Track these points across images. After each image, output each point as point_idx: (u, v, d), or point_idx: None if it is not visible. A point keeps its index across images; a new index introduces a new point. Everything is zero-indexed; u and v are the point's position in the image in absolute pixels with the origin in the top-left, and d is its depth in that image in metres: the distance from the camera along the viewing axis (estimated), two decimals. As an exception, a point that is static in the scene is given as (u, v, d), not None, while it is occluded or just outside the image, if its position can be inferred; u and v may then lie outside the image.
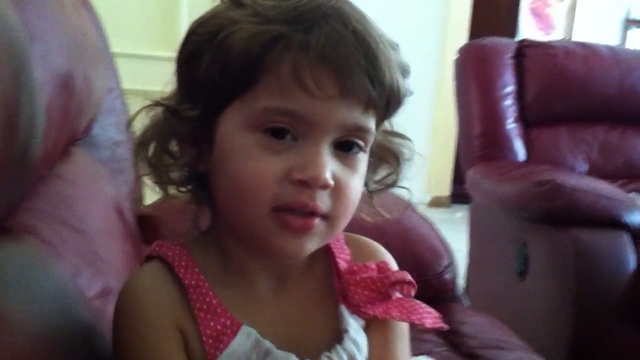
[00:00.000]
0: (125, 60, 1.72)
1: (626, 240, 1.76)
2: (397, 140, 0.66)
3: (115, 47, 1.27)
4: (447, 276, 1.33)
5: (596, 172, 2.33)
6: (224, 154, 0.57)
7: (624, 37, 5.66)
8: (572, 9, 5.54)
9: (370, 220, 0.67)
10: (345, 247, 0.68)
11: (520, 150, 2.34)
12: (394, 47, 0.58)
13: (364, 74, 0.54)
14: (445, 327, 0.63)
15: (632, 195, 2.03)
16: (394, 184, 0.68)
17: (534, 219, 1.88)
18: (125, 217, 1.03)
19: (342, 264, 0.66)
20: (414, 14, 4.54)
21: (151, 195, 1.29)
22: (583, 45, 2.48)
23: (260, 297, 0.62)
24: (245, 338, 0.58)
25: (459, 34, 4.36)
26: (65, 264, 0.71)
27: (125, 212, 1.05)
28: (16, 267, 0.59)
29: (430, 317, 0.63)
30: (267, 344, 0.59)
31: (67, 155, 0.93)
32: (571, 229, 1.76)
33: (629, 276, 1.72)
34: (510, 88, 2.37)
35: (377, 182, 0.67)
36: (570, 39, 4.86)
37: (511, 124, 2.35)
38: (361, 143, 0.58)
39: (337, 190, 0.57)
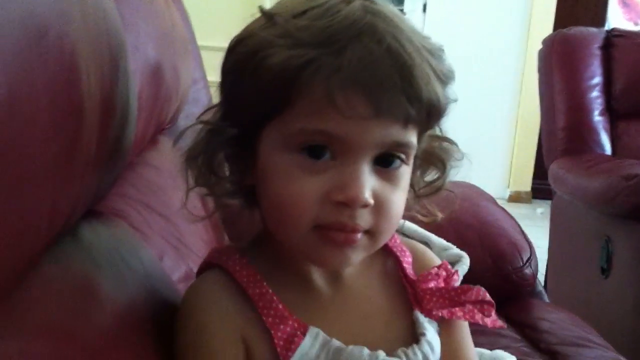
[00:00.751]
0: (210, 52, 1.77)
1: None
2: (444, 144, 0.66)
3: (200, 40, 1.31)
4: (527, 271, 1.30)
5: (686, 167, 2.24)
6: (265, 171, 0.58)
7: None
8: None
9: (425, 221, 0.68)
10: (405, 249, 0.70)
11: (606, 143, 2.27)
12: (436, 53, 0.57)
13: (400, 93, 0.53)
14: (504, 325, 0.66)
15: None
16: (441, 188, 0.68)
17: (619, 214, 1.82)
18: (207, 206, 1.06)
19: (409, 269, 0.68)
20: (498, 4, 4.45)
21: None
22: (675, 34, 2.38)
23: (320, 296, 0.63)
24: (313, 338, 0.59)
25: (544, 25, 4.25)
26: (152, 248, 0.74)
27: (207, 200, 1.07)
28: (107, 248, 0.61)
29: (489, 317, 0.65)
30: (336, 342, 0.60)
31: (155, 143, 0.97)
32: (658, 225, 1.71)
33: None
34: (597, 79, 2.30)
35: (424, 186, 0.67)
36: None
37: (597, 117, 2.28)
38: (402, 156, 0.58)
39: (378, 207, 0.57)
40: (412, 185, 0.64)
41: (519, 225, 1.39)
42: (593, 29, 2.41)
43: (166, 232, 0.81)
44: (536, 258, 1.34)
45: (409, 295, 0.66)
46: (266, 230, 0.64)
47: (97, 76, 0.50)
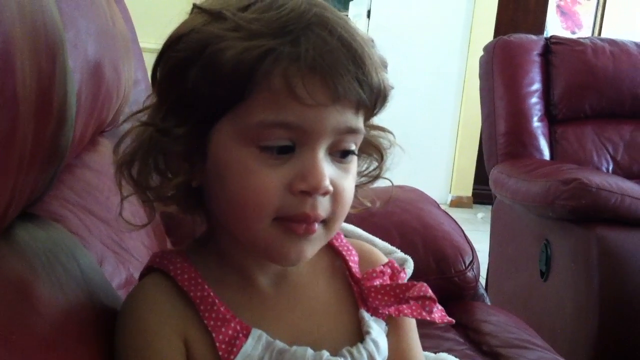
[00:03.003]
0: (153, 55, 1.73)
1: (652, 240, 1.74)
2: (379, 133, 0.67)
3: (143, 42, 1.28)
4: (470, 274, 1.32)
5: (621, 171, 2.31)
6: (220, 168, 0.58)
7: (652, 37, 5.59)
8: (601, 7, 5.48)
9: (354, 212, 0.68)
10: (351, 248, 0.70)
11: (545, 148, 2.33)
12: (372, 44, 0.59)
13: (353, 79, 0.55)
14: (452, 321, 0.66)
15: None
16: (378, 177, 0.69)
17: (558, 218, 1.86)
18: (149, 211, 1.04)
19: (355, 268, 0.68)
20: (441, 11, 4.52)
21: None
22: (612, 42, 2.45)
23: (264, 296, 0.63)
24: (256, 340, 0.59)
25: (485, 32, 4.34)
26: (92, 252, 0.72)
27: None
28: (43, 251, 0.59)
29: (438, 312, 0.66)
30: (279, 343, 0.60)
31: (95, 144, 0.94)
32: (596, 228, 1.75)
33: (654, 277, 1.70)
34: (536, 85, 2.35)
35: (362, 175, 0.68)
36: (600, 36, 4.80)
37: (537, 122, 2.33)
38: (354, 147, 0.60)
39: (335, 195, 0.58)
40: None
41: (461, 229, 1.41)
42: (533, 36, 2.47)
43: (106, 236, 0.79)
44: (478, 261, 1.36)
45: (354, 293, 0.67)
46: (210, 232, 0.64)
47: (33, 70, 0.48)
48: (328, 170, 0.57)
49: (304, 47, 0.53)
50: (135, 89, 1.17)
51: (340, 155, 0.59)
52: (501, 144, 2.32)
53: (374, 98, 0.58)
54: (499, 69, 2.37)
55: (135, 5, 1.29)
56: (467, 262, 1.32)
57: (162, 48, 0.60)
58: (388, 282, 0.67)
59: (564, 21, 5.54)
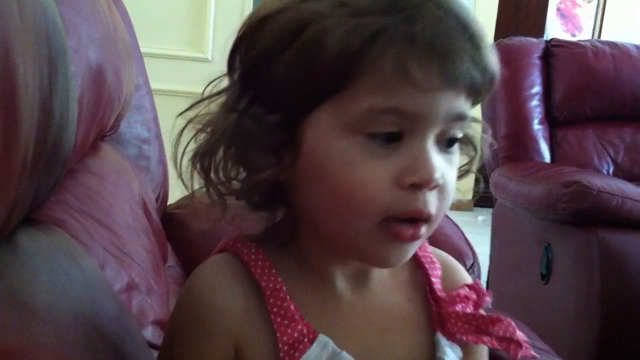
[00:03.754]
0: (153, 59, 1.74)
1: (653, 243, 1.74)
2: (474, 125, 0.60)
3: (144, 47, 1.29)
4: (471, 277, 1.32)
5: (622, 173, 2.31)
6: (317, 161, 0.52)
7: (653, 39, 5.59)
8: (601, 9, 5.48)
9: None
10: (435, 261, 0.65)
11: (546, 151, 2.33)
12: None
13: (469, 60, 0.50)
14: (536, 356, 0.62)
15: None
16: (468, 172, 0.63)
17: (559, 221, 1.86)
18: (150, 215, 1.04)
19: (437, 284, 0.63)
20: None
21: (175, 193, 1.31)
22: (612, 44, 2.45)
23: (340, 301, 0.59)
24: (321, 348, 0.55)
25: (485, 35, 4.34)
26: (93, 257, 0.72)
27: (150, 209, 1.06)
28: (46, 256, 0.59)
29: (517, 356, 0.60)
30: (346, 356, 0.55)
31: (96, 149, 0.94)
32: (597, 231, 1.76)
33: (655, 279, 1.70)
34: (537, 88, 2.36)
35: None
36: (600, 38, 4.81)
37: (537, 125, 2.33)
38: (460, 135, 0.55)
39: (442, 189, 0.53)
40: None
41: (462, 232, 1.41)
42: (533, 39, 2.47)
43: (107, 241, 0.79)
44: (479, 264, 1.36)
45: (433, 313, 0.61)
46: (288, 227, 0.59)
47: (35, 76, 0.48)
48: (437, 160, 0.52)
49: (419, 26, 0.48)
50: (137, 94, 1.18)
51: (446, 144, 0.54)
52: (502, 147, 2.32)
53: (487, 82, 0.53)
54: (499, 72, 2.36)
55: (136, 11, 1.29)
56: (468, 265, 1.32)
57: (244, 30, 0.55)
58: (471, 308, 0.62)
59: (564, 24, 5.55)
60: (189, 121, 0.58)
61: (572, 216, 1.79)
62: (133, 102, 1.13)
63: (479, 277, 1.35)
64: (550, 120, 2.38)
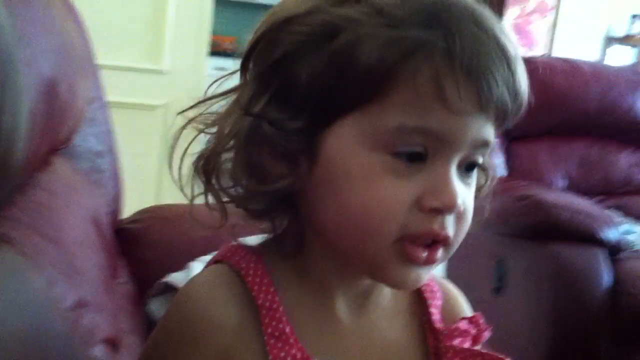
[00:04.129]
0: (109, 71, 1.72)
1: (603, 257, 1.78)
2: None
3: (100, 59, 1.27)
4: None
5: (575, 187, 2.36)
6: (336, 173, 0.50)
7: (604, 54, 5.73)
8: (554, 25, 5.60)
9: None
10: (436, 290, 0.63)
11: (500, 165, 2.36)
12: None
13: (504, 85, 0.48)
14: None
15: (609, 212, 2.05)
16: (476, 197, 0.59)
17: (512, 235, 1.89)
18: (102, 230, 1.03)
19: (436, 316, 0.61)
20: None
21: (130, 207, 1.29)
22: (564, 60, 2.51)
23: (338, 325, 0.56)
24: None
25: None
26: (41, 275, 0.71)
27: (103, 225, 1.04)
28: (-9, 276, 0.58)
29: None
30: None
31: (47, 164, 0.93)
32: (549, 245, 1.79)
33: (605, 292, 1.74)
34: (491, 103, 2.39)
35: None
36: (551, 55, 4.91)
37: (493, 139, 2.37)
38: (481, 161, 0.53)
39: (460, 215, 0.52)
40: None
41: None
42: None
43: (57, 258, 0.77)
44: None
45: (430, 346, 0.60)
46: (295, 241, 0.56)
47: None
48: (459, 186, 0.50)
49: (459, 44, 0.46)
50: (91, 107, 1.16)
51: (465, 168, 0.52)
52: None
53: (517, 108, 0.51)
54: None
55: (93, 22, 1.28)
56: (423, 279, 1.33)
57: (264, 29, 0.53)
58: (470, 343, 0.60)
59: (520, 39, 5.65)
60: (190, 120, 0.56)
61: (524, 230, 1.82)
62: (87, 115, 1.12)
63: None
64: (505, 134, 2.42)
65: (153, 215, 1.28)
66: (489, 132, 0.51)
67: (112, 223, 1.15)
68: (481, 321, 0.62)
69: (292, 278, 0.56)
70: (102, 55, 1.36)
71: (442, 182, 0.49)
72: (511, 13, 5.54)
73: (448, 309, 0.63)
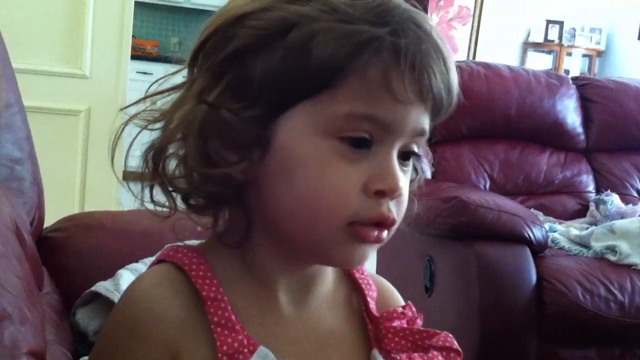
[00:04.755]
0: (26, 75, 1.66)
1: (527, 254, 1.83)
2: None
3: (16, 63, 1.23)
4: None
5: (498, 188, 2.42)
6: (289, 161, 0.53)
7: (523, 60, 5.92)
8: (475, 31, 5.75)
9: None
10: (371, 283, 0.66)
11: (426, 168, 2.39)
12: None
13: (441, 80, 0.53)
14: None
15: (532, 211, 2.11)
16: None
17: (439, 235, 1.92)
18: (23, 240, 0.99)
19: (372, 305, 0.64)
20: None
21: (51, 215, 1.25)
22: (485, 65, 2.58)
23: (281, 314, 0.59)
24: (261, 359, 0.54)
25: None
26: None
27: (23, 234, 1.00)
28: None
29: None
30: None
31: (-38, 172, 0.89)
32: (475, 244, 1.82)
33: (530, 289, 1.78)
34: (416, 107, 2.43)
35: None
36: (474, 60, 5.04)
37: (418, 143, 2.40)
38: (416, 150, 0.58)
39: (401, 199, 0.56)
40: None
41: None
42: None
43: (-25, 269, 0.74)
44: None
45: (369, 332, 0.63)
46: (240, 233, 0.58)
47: None
48: (399, 171, 0.55)
49: (404, 40, 0.51)
50: (7, 112, 1.12)
51: (403, 157, 0.56)
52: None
53: (449, 102, 0.56)
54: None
55: (8, 25, 1.23)
56: (354, 282, 1.33)
57: (217, 26, 0.55)
58: (406, 325, 0.64)
59: (441, 45, 5.77)
60: (133, 117, 0.57)
61: (451, 231, 1.85)
62: (3, 121, 1.07)
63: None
64: (430, 137, 2.46)
65: (76, 224, 1.24)
66: (426, 122, 0.56)
67: (33, 232, 1.11)
68: (414, 309, 0.66)
69: (235, 272, 0.58)
70: (20, 59, 1.31)
71: (386, 167, 0.53)
72: (432, 20, 5.67)
73: (383, 301, 0.66)
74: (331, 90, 0.51)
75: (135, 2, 2.46)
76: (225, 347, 0.54)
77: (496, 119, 2.52)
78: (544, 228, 1.90)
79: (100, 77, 2.31)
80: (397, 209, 0.56)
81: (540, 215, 2.29)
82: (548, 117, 2.57)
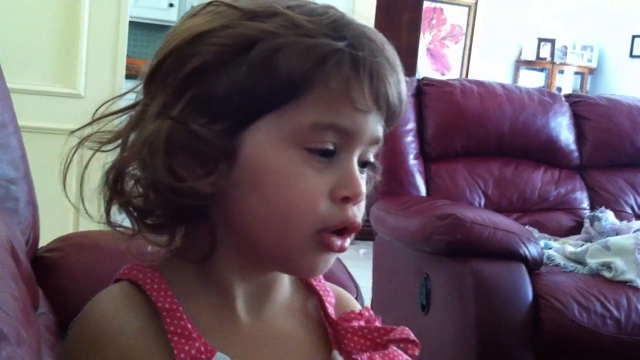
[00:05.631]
0: (21, 95, 1.66)
1: (523, 271, 1.83)
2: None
3: (11, 82, 1.23)
4: (354, 310, 1.33)
5: (492, 206, 2.42)
6: (256, 173, 0.55)
7: (515, 77, 5.96)
8: (468, 50, 5.79)
9: None
10: (329, 290, 0.68)
11: (421, 185, 2.40)
12: None
13: (394, 89, 0.56)
14: None
15: (528, 228, 2.11)
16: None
17: (435, 252, 1.92)
18: (18, 260, 0.98)
19: (331, 310, 0.66)
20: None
21: (46, 236, 1.24)
22: (479, 83, 2.59)
23: (238, 322, 0.60)
24: None
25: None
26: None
27: (18, 254, 0.99)
28: None
29: (414, 356, 0.64)
30: None
31: (-43, 192, 0.88)
32: (471, 261, 1.82)
33: (526, 306, 1.78)
34: (410, 125, 2.44)
35: None
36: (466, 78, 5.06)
37: (413, 160, 2.41)
38: (372, 159, 0.61)
39: (360, 204, 0.58)
40: None
41: (344, 266, 1.42)
42: (405, 78, 2.55)
43: (-30, 289, 0.73)
44: (362, 298, 1.37)
45: (329, 335, 0.64)
46: (198, 246, 0.59)
47: None
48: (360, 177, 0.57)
49: (361, 53, 0.54)
50: (2, 132, 1.12)
51: (361, 164, 0.59)
52: (380, 181, 2.36)
53: (401, 111, 0.59)
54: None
55: (2, 45, 1.23)
56: (351, 300, 1.33)
57: (176, 44, 0.57)
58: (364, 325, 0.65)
59: (434, 63, 5.81)
60: (84, 139, 0.59)
61: (447, 248, 1.85)
62: (-1, 141, 1.07)
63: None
64: (424, 155, 2.47)
65: (71, 244, 1.23)
66: (381, 130, 0.58)
67: (28, 252, 1.11)
68: (371, 312, 0.68)
69: (191, 284, 0.59)
70: (14, 79, 1.31)
71: (349, 174, 0.56)
72: (425, 39, 5.70)
73: (341, 307, 0.68)
74: (295, 102, 0.54)
75: (129, 21, 2.46)
76: (182, 355, 0.55)
77: (490, 136, 2.53)
78: (539, 245, 1.90)
79: (95, 96, 2.30)
80: (359, 214, 0.58)
81: (535, 232, 2.29)
82: (541, 134, 2.58)
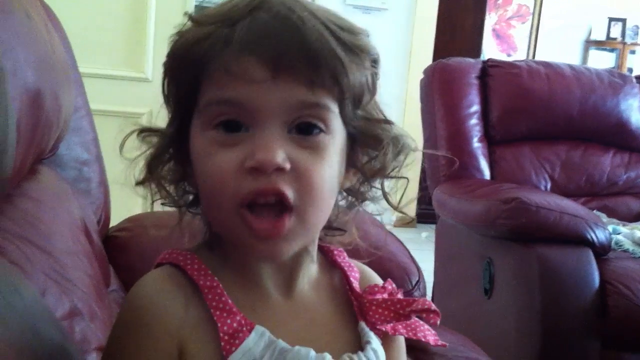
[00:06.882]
0: (92, 80, 1.70)
1: (590, 257, 1.79)
2: (380, 125, 0.65)
3: (83, 67, 1.26)
4: (417, 293, 1.33)
5: (559, 190, 2.37)
6: (195, 162, 0.59)
7: (584, 58, 5.79)
8: (535, 30, 5.65)
9: (346, 244, 0.70)
10: (353, 265, 0.70)
11: (485, 168, 2.37)
12: (346, 27, 0.59)
13: (295, 53, 0.55)
14: (446, 344, 0.66)
15: (595, 212, 2.06)
16: (386, 170, 0.66)
17: (499, 237, 1.90)
18: (91, 239, 1.02)
19: (356, 284, 0.68)
20: (379, 35, 4.58)
21: (117, 215, 1.28)
22: (546, 64, 2.53)
23: (269, 299, 0.63)
24: (259, 336, 0.59)
25: (424, 56, 4.41)
26: (33, 284, 0.70)
27: (91, 233, 1.03)
28: (-16, 285, 0.57)
29: (431, 335, 0.66)
30: (281, 343, 0.59)
31: (34, 173, 0.92)
32: (536, 246, 1.79)
33: (593, 292, 1.75)
34: (475, 107, 2.40)
35: (361, 167, 0.65)
36: (533, 59, 4.95)
37: (476, 143, 2.38)
38: (320, 123, 0.58)
39: (299, 175, 0.56)
40: (356, 166, 0.65)
41: (406, 249, 1.42)
42: (470, 60, 2.52)
43: (48, 267, 0.77)
44: (424, 281, 1.37)
45: (354, 307, 0.67)
46: (214, 235, 0.64)
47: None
48: (285, 147, 0.56)
49: (237, 29, 0.55)
50: (76, 115, 1.15)
51: (301, 131, 0.57)
52: (443, 165, 2.35)
53: (327, 74, 0.56)
54: (439, 92, 2.41)
55: (74, 31, 1.27)
56: (414, 282, 1.33)
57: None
58: (387, 297, 0.67)
59: (500, 44, 5.69)
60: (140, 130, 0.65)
61: (512, 232, 1.82)
62: (72, 124, 1.11)
63: (424, 294, 1.36)
64: (489, 138, 2.43)
65: (140, 224, 1.27)
66: (306, 95, 0.56)
67: (100, 231, 1.15)
68: (394, 285, 0.70)
69: (221, 267, 0.62)
70: (85, 64, 1.35)
71: (257, 144, 0.56)
72: (490, 19, 5.59)
73: (364, 283, 0.69)
74: (200, 91, 0.58)
75: (195, 6, 2.50)
76: (225, 327, 0.58)
77: (558, 119, 2.47)
78: (607, 230, 1.86)
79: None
80: (300, 187, 0.56)
81: (603, 217, 2.23)
82: (611, 116, 2.51)
